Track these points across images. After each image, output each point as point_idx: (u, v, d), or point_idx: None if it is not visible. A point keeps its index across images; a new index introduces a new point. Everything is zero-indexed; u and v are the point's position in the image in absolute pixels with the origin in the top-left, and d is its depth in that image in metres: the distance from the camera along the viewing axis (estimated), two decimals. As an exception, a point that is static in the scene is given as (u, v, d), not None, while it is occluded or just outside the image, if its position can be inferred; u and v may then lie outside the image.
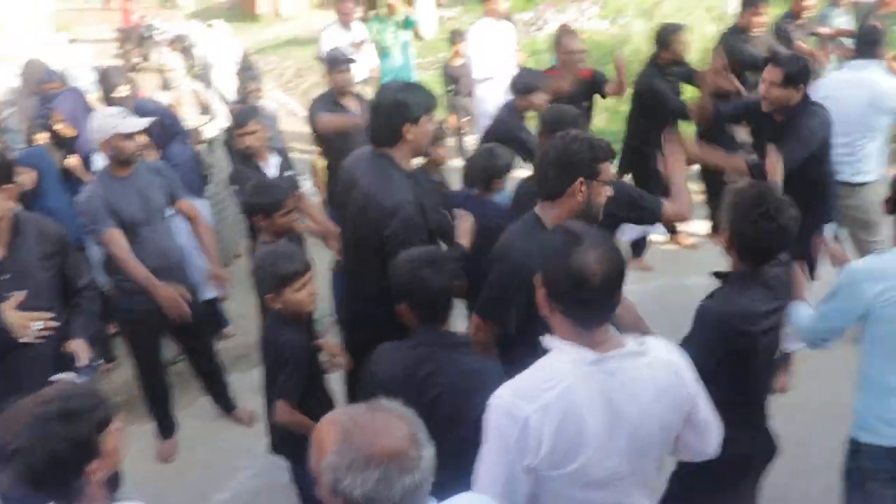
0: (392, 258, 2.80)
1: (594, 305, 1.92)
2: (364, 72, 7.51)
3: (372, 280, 3.14)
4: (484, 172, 4.01)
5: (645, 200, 3.31)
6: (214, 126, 5.95)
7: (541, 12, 13.57)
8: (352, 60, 5.22)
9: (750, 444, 2.72)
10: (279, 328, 3.05)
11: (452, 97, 8.00)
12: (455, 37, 7.97)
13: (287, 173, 4.64)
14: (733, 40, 5.83)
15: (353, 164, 3.31)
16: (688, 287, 5.03)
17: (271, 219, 3.68)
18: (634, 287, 5.62)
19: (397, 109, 3.06)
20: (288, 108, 10.83)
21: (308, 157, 6.88)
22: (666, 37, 5.58)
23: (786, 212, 2.55)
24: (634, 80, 5.80)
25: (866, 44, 4.73)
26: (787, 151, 3.91)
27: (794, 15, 6.50)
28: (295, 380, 2.99)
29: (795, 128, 4.03)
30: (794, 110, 4.05)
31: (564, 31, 5.71)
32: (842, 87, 4.66)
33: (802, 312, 2.90)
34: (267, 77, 12.59)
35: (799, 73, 3.99)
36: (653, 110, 5.57)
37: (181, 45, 7.24)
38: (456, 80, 7.82)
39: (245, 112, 4.76)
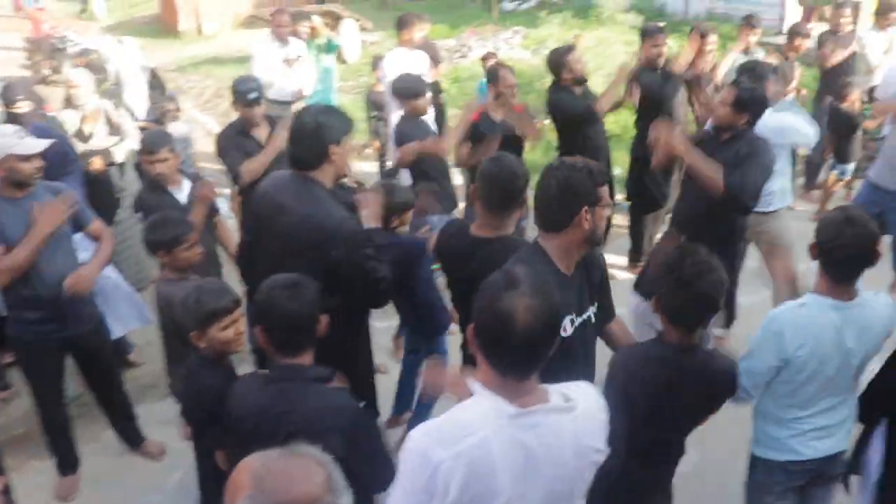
0: (356, 277, 3.05)
1: (515, 356, 1.86)
2: (291, 91, 7.35)
3: None
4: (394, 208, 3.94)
5: None
6: (124, 147, 5.70)
7: (464, 40, 13.71)
8: (254, 101, 4.95)
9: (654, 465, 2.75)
10: (201, 370, 2.90)
11: (375, 123, 7.96)
12: (377, 62, 7.94)
13: None
14: (646, 77, 5.96)
15: (273, 190, 3.27)
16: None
17: (173, 254, 3.53)
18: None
19: (321, 132, 3.10)
20: (206, 129, 10.58)
21: (224, 178, 6.70)
22: (560, 58, 5.63)
23: (705, 278, 2.47)
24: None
25: (752, 80, 4.85)
26: (752, 175, 4.02)
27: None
28: (222, 428, 2.81)
29: (747, 154, 4.10)
30: (738, 135, 4.18)
31: (502, 66, 5.73)
32: None
33: None
34: (186, 96, 12.35)
35: (748, 100, 4.12)
36: (566, 124, 5.70)
37: (86, 58, 6.92)
38: (380, 106, 7.78)
39: (156, 137, 4.52)
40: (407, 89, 5.18)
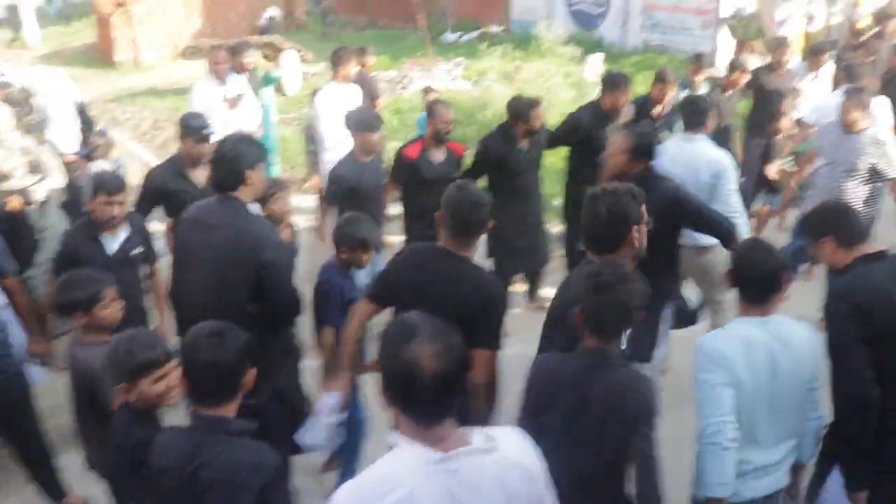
0: (273, 284, 3.47)
1: (429, 402, 1.84)
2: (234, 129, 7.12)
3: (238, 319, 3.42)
4: (334, 235, 3.93)
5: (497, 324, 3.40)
6: (46, 185, 5.45)
7: (405, 71, 13.74)
8: (206, 137, 4.84)
9: None
10: (130, 426, 2.77)
11: (314, 156, 7.87)
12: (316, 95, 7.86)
13: (135, 252, 4.30)
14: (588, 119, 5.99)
15: (200, 215, 3.63)
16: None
17: (91, 314, 3.31)
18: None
19: (238, 157, 3.51)
20: (143, 161, 10.36)
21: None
22: (524, 110, 5.59)
23: (623, 285, 2.58)
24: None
25: (693, 114, 4.92)
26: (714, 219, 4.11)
27: (649, 101, 6.78)
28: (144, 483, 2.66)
29: (668, 207, 4.07)
30: (637, 181, 4.11)
31: (439, 102, 5.70)
32: (673, 158, 4.80)
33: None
34: (123, 127, 12.13)
35: (642, 147, 4.05)
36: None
37: (4, 91, 6.65)
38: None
39: (115, 179, 4.30)
40: (361, 121, 5.09)
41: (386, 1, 20.85)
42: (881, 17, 11.43)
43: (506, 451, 1.91)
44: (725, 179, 4.81)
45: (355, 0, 22.58)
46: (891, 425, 3.02)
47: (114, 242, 4.23)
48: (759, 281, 2.90)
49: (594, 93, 7.50)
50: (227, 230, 3.47)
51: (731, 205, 4.84)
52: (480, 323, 3.12)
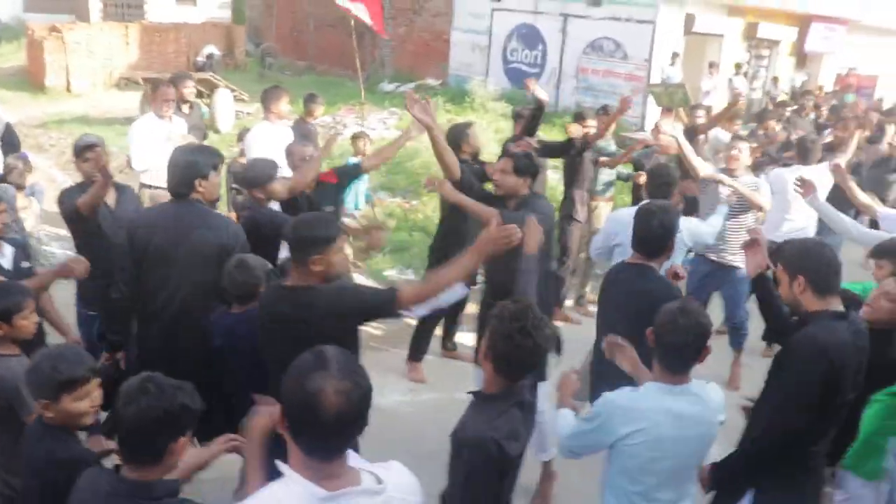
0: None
1: (324, 438, 1.82)
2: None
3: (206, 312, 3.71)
4: (242, 287, 3.67)
5: (373, 297, 3.22)
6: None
7: (340, 117, 13.81)
8: (94, 146, 4.63)
9: None
10: (47, 444, 2.64)
11: (234, 196, 7.77)
12: (243, 134, 7.75)
13: (25, 265, 4.16)
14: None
15: (160, 218, 3.79)
16: (459, 401, 5.04)
17: (11, 324, 3.19)
18: (405, 398, 5.62)
19: (189, 168, 3.67)
20: (64, 189, 10.10)
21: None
22: (460, 134, 5.84)
23: (543, 331, 2.63)
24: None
25: (659, 185, 4.91)
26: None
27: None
28: None
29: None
30: (523, 198, 4.50)
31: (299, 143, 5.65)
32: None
33: (565, 421, 3.04)
34: (47, 153, 11.83)
35: (526, 166, 4.52)
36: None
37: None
38: (240, 179, 7.61)
39: None
40: (257, 177, 4.70)
41: (326, 46, 21.06)
42: (802, 94, 12.28)
43: (393, 492, 1.90)
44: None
45: (295, 44, 22.77)
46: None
47: (3, 259, 4.07)
48: (679, 348, 2.85)
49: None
50: (201, 229, 3.65)
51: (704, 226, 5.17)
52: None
